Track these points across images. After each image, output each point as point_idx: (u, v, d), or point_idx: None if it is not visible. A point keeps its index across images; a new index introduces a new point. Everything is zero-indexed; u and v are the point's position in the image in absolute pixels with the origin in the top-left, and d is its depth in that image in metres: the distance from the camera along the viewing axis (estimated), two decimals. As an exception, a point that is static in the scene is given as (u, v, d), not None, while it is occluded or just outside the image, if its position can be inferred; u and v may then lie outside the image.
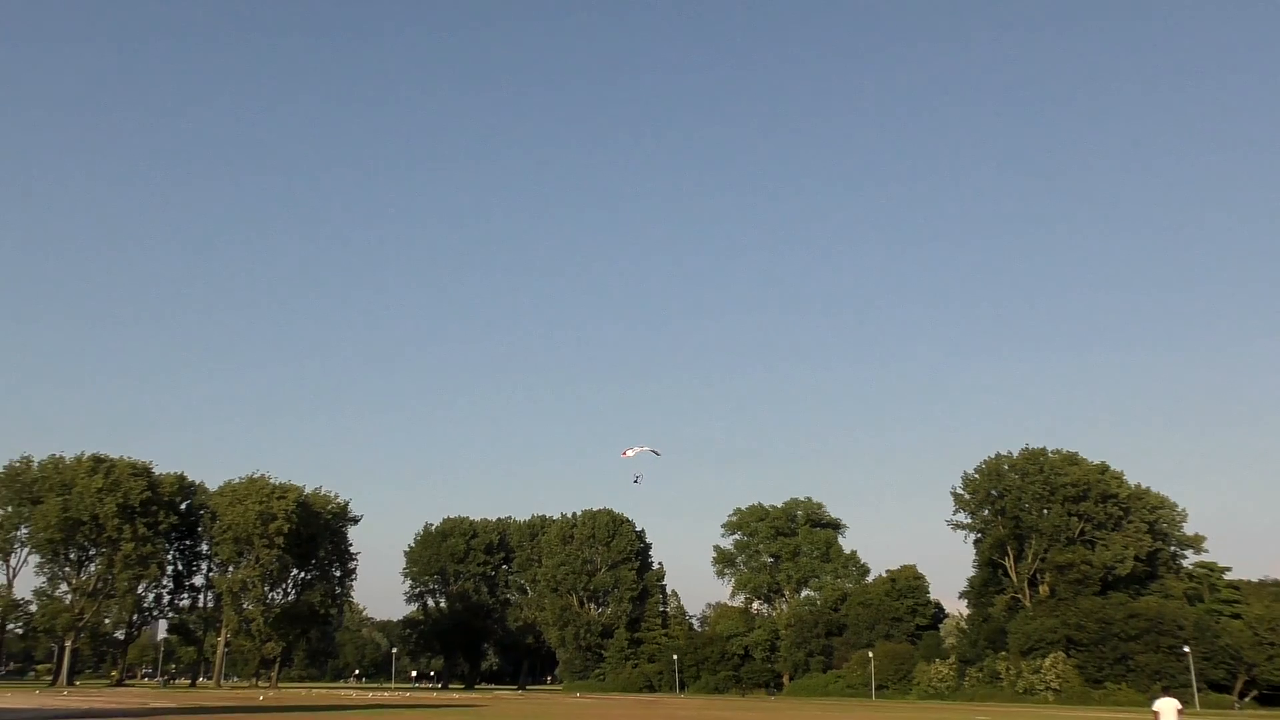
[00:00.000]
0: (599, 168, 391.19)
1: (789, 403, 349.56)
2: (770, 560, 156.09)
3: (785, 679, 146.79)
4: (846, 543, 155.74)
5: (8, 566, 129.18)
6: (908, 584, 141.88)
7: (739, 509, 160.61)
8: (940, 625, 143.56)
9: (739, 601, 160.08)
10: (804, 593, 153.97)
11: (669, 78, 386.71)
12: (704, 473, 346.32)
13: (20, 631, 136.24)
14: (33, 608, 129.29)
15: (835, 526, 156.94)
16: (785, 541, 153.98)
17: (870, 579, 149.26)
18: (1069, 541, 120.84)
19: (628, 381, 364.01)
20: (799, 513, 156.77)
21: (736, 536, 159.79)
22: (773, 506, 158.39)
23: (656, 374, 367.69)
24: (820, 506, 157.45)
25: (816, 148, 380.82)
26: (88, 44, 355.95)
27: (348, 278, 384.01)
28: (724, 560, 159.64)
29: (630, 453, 58.65)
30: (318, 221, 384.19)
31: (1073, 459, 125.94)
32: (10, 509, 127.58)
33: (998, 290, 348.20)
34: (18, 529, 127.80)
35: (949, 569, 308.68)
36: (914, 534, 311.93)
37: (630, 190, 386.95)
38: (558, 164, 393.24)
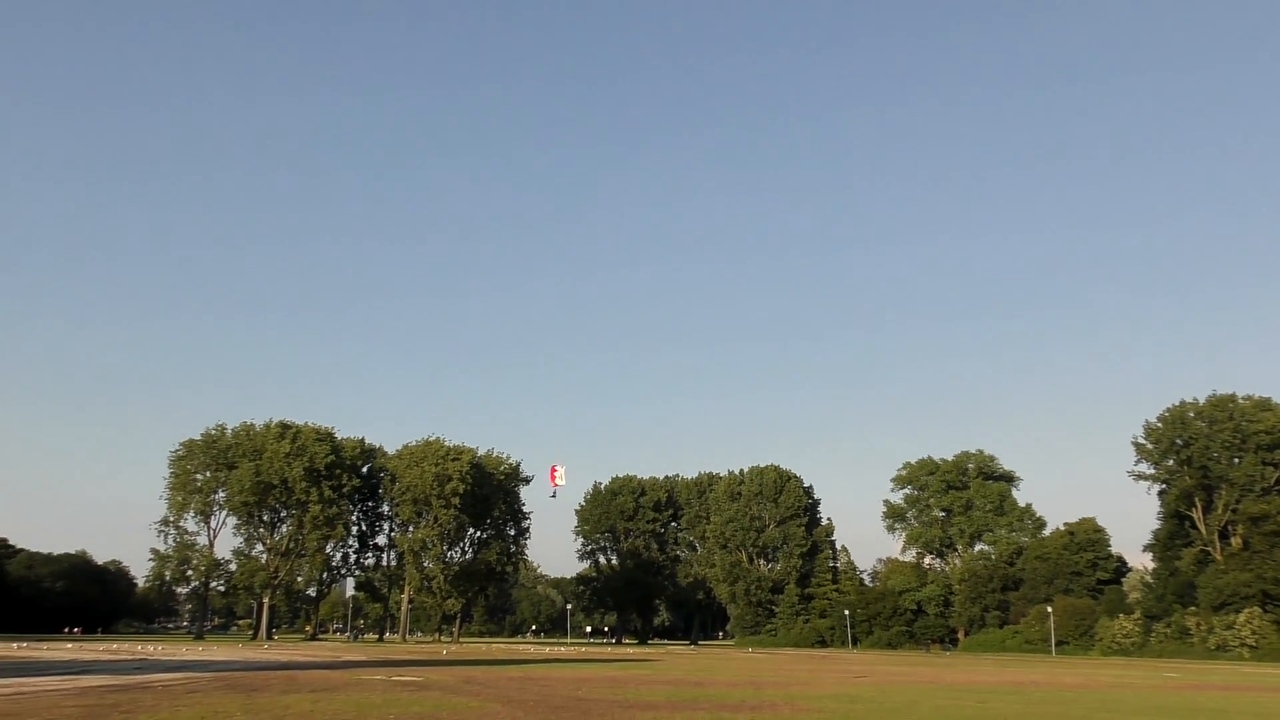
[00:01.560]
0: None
1: (957, 353, 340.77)
2: (942, 514, 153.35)
3: (960, 634, 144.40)
4: (1020, 495, 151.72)
5: (209, 528, 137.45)
6: (1087, 537, 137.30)
7: (908, 463, 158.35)
8: (1123, 580, 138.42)
9: (910, 556, 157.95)
10: (977, 547, 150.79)
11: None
12: (872, 427, 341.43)
13: (222, 589, 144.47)
14: (232, 567, 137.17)
15: (1009, 479, 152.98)
16: (957, 495, 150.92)
17: (1047, 532, 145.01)
18: (1264, 492, 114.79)
19: (790, 338, 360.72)
20: (970, 466, 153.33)
21: (906, 491, 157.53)
22: (943, 460, 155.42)
23: (818, 329, 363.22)
24: (992, 459, 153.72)
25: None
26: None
27: (515, 252, 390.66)
28: (894, 515, 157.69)
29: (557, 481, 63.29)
30: (478, 202, 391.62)
31: (1265, 405, 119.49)
32: (209, 474, 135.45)
33: (1179, 222, 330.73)
34: (216, 493, 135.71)
35: (1131, 521, 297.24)
36: (1092, 486, 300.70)
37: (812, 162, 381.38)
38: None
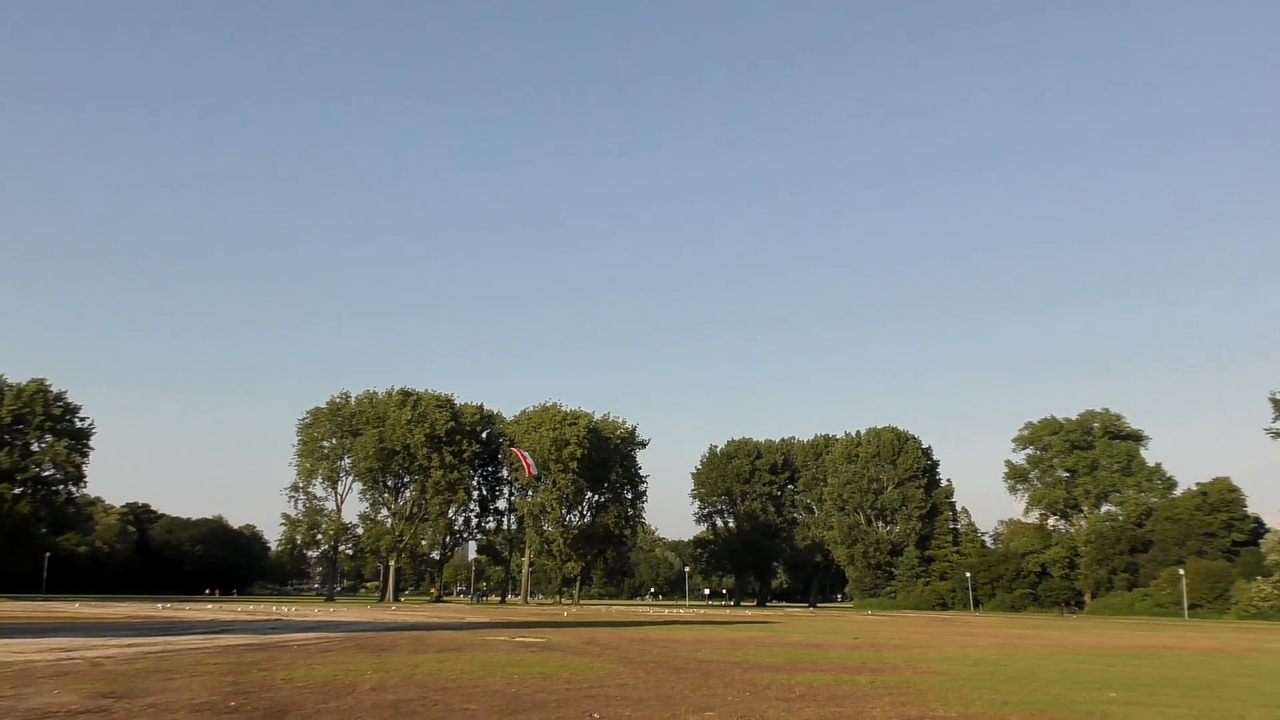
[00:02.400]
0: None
1: (1079, 307, 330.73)
2: (1066, 475, 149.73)
3: (1086, 597, 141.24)
4: (1149, 455, 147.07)
5: (336, 494, 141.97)
6: (1221, 497, 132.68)
7: (1030, 423, 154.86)
8: (1261, 541, 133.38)
9: (1033, 518, 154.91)
10: (1104, 508, 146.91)
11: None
12: (991, 386, 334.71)
13: (350, 552, 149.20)
14: (359, 531, 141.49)
15: (1136, 438, 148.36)
16: (1081, 455, 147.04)
17: (1177, 493, 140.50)
18: None
19: (904, 296, 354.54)
20: (1095, 425, 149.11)
21: (1029, 451, 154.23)
22: (1066, 419, 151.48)
23: (933, 287, 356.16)
24: (1119, 418, 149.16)
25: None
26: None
27: (628, 216, 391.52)
28: (1016, 476, 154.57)
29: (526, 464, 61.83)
30: (587, 170, 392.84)
31: None
32: (334, 441, 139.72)
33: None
34: (342, 459, 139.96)
35: (1269, 481, 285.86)
36: (1226, 444, 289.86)
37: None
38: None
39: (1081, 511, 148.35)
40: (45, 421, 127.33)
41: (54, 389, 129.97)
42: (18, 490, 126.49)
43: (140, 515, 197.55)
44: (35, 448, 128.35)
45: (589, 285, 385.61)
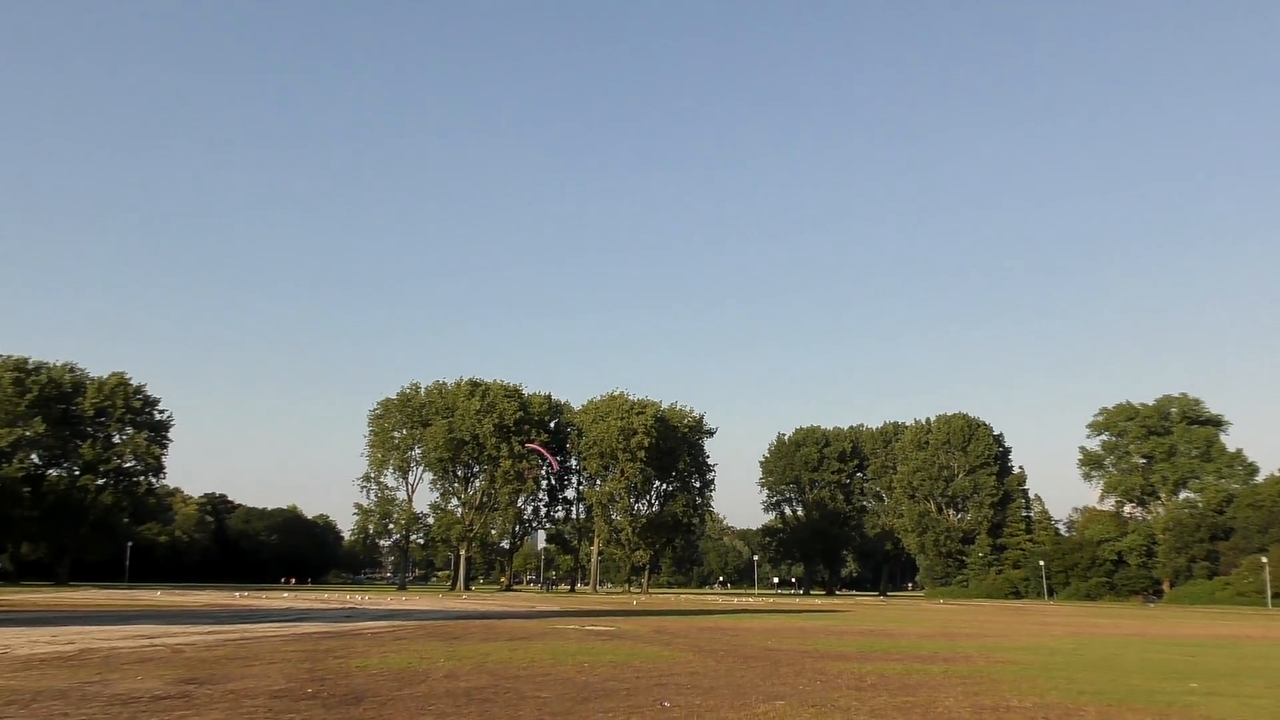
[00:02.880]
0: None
1: (1155, 290, 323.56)
2: (1142, 461, 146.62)
3: (1165, 586, 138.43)
4: (1229, 440, 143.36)
5: (407, 484, 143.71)
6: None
7: (1105, 408, 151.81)
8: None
9: (1109, 505, 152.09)
10: (1182, 494, 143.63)
11: None
12: (1064, 371, 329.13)
13: (422, 542, 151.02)
14: (430, 520, 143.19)
15: (1216, 423, 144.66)
16: (1158, 441, 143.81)
17: (1260, 479, 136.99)
18: None
19: (976, 281, 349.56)
20: (1173, 410, 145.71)
21: (1104, 437, 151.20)
22: (1143, 404, 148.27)
23: (1004, 268, 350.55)
24: (1198, 402, 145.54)
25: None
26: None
27: (693, 206, 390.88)
28: (1091, 462, 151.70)
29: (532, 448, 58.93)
30: (664, 158, 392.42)
31: None
32: (405, 432, 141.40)
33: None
34: (412, 449, 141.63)
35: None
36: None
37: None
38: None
39: (1159, 498, 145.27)
40: (126, 414, 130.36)
41: (134, 382, 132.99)
42: (101, 481, 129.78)
43: (218, 505, 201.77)
44: (116, 440, 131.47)
45: (656, 274, 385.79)
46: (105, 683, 15.21)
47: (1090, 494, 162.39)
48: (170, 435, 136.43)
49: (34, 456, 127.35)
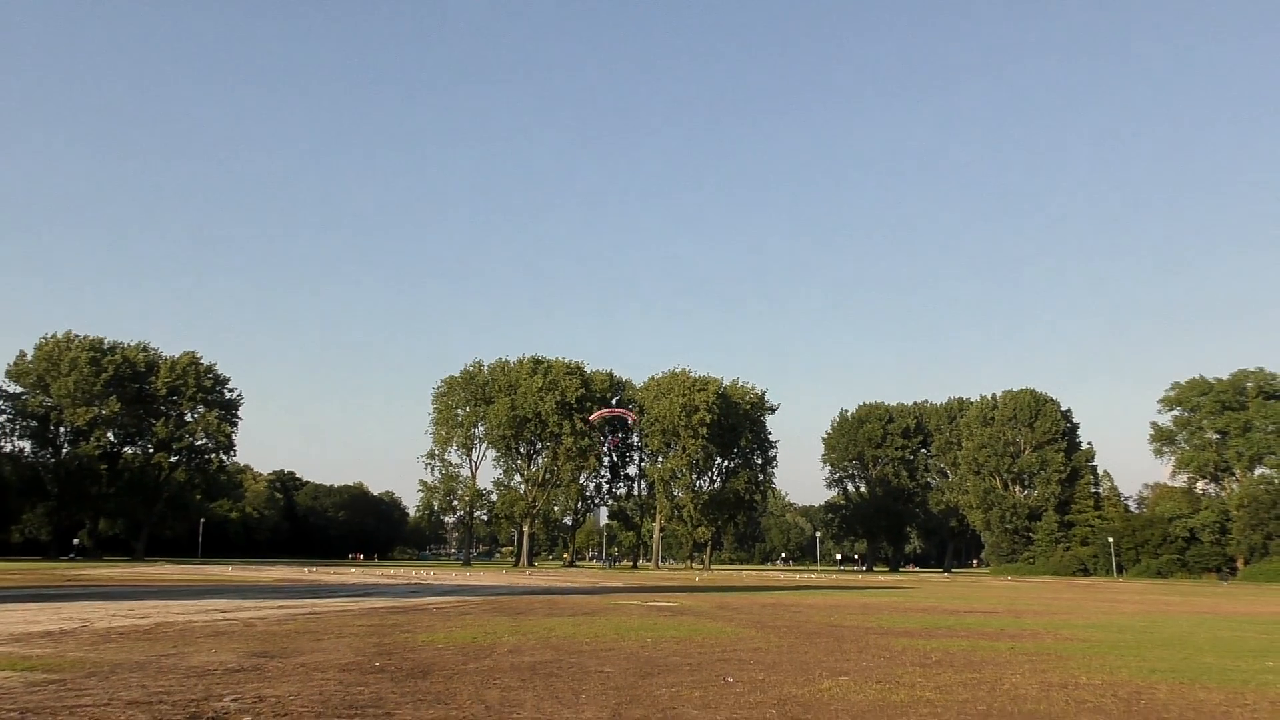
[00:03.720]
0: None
1: (1225, 260, 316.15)
2: (1216, 437, 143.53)
3: (1239, 563, 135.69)
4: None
5: (470, 461, 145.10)
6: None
7: (1177, 383, 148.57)
8: None
9: (1181, 481, 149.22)
10: (1258, 470, 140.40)
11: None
12: (1134, 345, 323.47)
13: (485, 518, 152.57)
14: (494, 497, 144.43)
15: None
16: (1233, 416, 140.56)
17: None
18: None
19: (1042, 253, 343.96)
20: (1249, 384, 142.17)
21: (1176, 413, 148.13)
22: (1216, 379, 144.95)
23: (1069, 242, 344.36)
24: (1274, 377, 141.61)
25: None
26: None
27: (754, 182, 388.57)
28: (1162, 438, 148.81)
29: (597, 417, 54.95)
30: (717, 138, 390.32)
31: None
32: (468, 409, 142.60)
33: None
34: (476, 426, 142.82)
35: None
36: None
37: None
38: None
39: (1234, 475, 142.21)
40: (197, 393, 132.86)
41: (204, 362, 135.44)
42: (174, 459, 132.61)
43: (286, 483, 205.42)
44: (189, 418, 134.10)
45: (718, 252, 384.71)
46: (180, 655, 15.56)
47: (1161, 470, 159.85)
48: (240, 414, 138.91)
49: (110, 435, 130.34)
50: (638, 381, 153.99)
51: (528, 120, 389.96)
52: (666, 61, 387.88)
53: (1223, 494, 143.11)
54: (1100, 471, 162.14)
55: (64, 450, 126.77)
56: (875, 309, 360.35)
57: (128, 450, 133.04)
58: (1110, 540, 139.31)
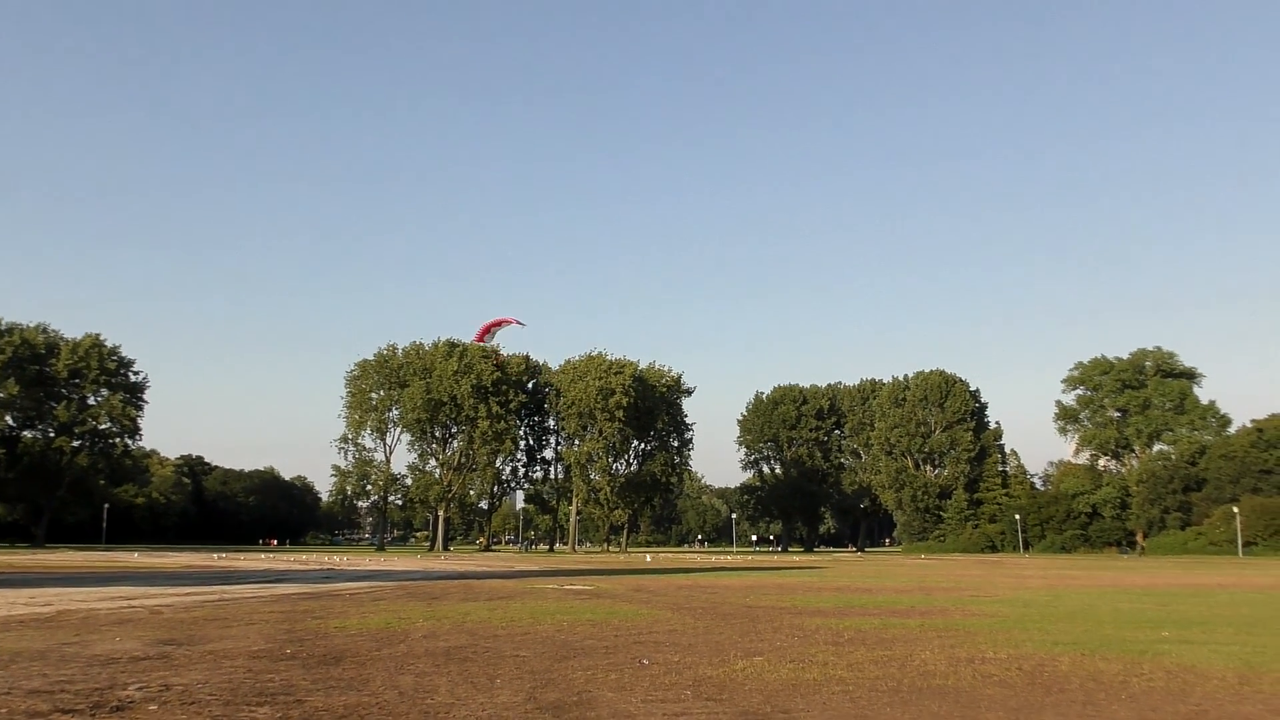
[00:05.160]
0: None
1: (1127, 244, 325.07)
2: (1117, 415, 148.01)
3: (1139, 538, 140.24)
4: (1203, 393, 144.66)
5: (385, 445, 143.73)
6: (1278, 434, 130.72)
7: (1080, 363, 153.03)
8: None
9: (1084, 459, 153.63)
10: (1156, 447, 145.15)
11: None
12: (1040, 326, 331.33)
13: (400, 503, 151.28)
14: (408, 481, 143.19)
15: (1190, 376, 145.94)
16: (1133, 394, 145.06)
17: (1232, 430, 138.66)
18: None
19: (950, 238, 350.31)
20: (1147, 364, 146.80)
21: (1079, 392, 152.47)
22: (1117, 359, 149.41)
23: (976, 227, 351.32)
24: (1172, 356, 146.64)
25: None
26: None
27: (673, 163, 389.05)
28: (1066, 416, 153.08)
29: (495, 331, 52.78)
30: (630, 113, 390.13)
31: None
32: (383, 393, 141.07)
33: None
34: (390, 410, 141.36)
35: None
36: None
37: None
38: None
39: (1134, 451, 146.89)
40: (101, 376, 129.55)
41: (108, 344, 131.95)
42: (76, 443, 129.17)
43: (195, 467, 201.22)
44: (92, 402, 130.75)
45: (634, 234, 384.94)
46: (84, 644, 15.15)
47: (1065, 448, 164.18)
48: (146, 397, 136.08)
49: (8, 418, 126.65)
50: (554, 364, 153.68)
51: (440, 90, 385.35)
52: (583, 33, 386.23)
53: (1123, 470, 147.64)
54: (1008, 450, 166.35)
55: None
56: (789, 291, 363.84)
57: (27, 434, 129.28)
58: (1017, 517, 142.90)
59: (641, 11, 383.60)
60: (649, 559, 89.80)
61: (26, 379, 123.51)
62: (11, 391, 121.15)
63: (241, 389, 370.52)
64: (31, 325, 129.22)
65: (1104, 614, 23.63)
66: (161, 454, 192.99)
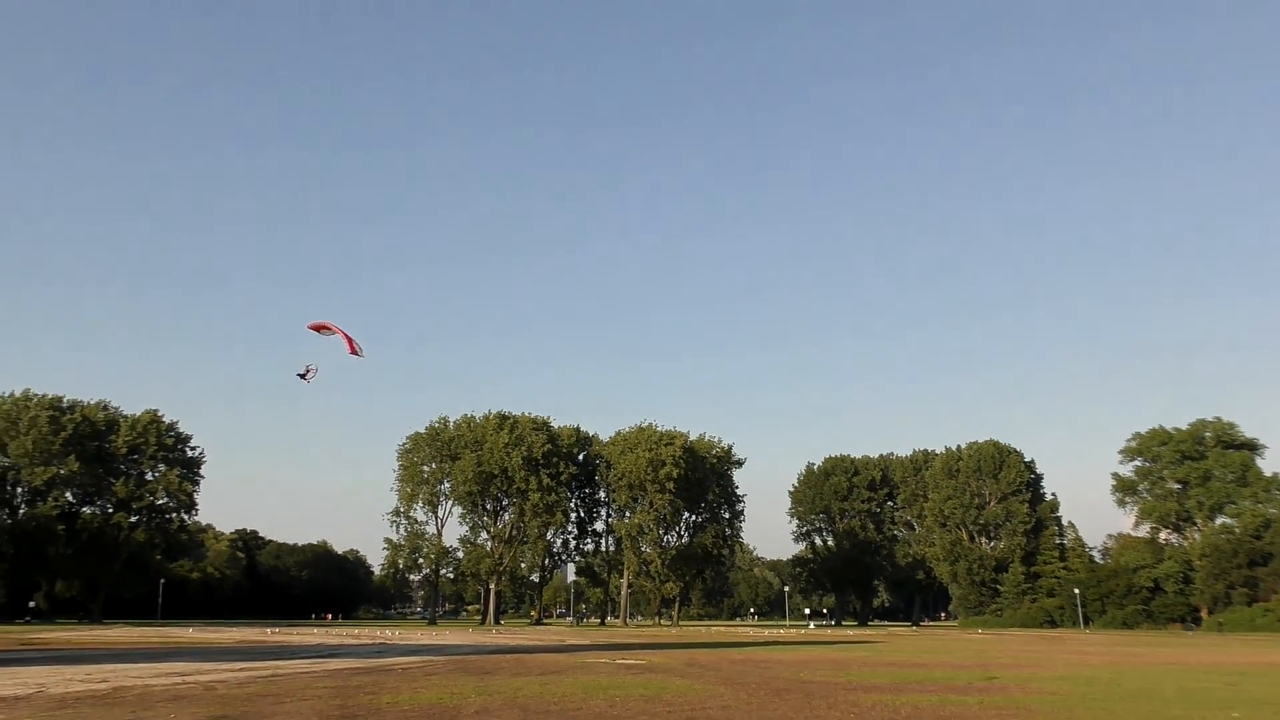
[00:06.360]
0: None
1: (1185, 312, 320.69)
2: (1177, 487, 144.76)
3: (1203, 613, 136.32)
4: (1265, 464, 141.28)
5: (436, 518, 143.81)
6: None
7: (1138, 433, 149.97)
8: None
9: (1144, 531, 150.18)
10: (1219, 520, 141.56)
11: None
12: (1095, 396, 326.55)
13: (451, 576, 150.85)
14: (460, 554, 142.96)
15: (1251, 447, 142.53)
16: (1193, 466, 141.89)
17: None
18: None
19: (1003, 305, 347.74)
20: (1207, 434, 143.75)
21: (1137, 463, 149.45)
22: (1176, 429, 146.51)
23: (1030, 293, 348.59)
24: (1232, 426, 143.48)
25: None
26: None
27: (717, 235, 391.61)
28: (1124, 488, 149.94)
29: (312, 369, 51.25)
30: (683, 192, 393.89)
31: None
32: (434, 466, 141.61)
33: None
34: (441, 483, 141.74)
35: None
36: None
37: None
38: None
39: (1195, 524, 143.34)
40: (159, 451, 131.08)
41: (166, 419, 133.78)
42: (134, 519, 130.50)
43: (249, 541, 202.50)
44: (149, 477, 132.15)
45: (683, 304, 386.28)
46: (139, 721, 15.25)
47: (1124, 521, 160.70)
48: (202, 472, 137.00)
49: (68, 494, 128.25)
50: (604, 436, 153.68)
51: (491, 175, 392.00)
52: (630, 114, 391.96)
53: (1185, 544, 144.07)
54: (1065, 522, 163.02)
55: (20, 510, 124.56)
56: (841, 361, 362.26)
57: (86, 510, 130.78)
58: (1076, 591, 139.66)
59: (700, 109, 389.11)
60: (706, 630, 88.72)
61: (86, 455, 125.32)
62: (72, 468, 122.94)
63: (296, 464, 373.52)
64: (92, 402, 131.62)
65: (1169, 693, 23.02)
66: (217, 528, 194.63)
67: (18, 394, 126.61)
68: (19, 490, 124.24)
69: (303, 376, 46.32)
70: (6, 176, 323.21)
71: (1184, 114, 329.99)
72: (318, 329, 47.27)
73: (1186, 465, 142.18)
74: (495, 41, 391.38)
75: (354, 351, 49.41)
